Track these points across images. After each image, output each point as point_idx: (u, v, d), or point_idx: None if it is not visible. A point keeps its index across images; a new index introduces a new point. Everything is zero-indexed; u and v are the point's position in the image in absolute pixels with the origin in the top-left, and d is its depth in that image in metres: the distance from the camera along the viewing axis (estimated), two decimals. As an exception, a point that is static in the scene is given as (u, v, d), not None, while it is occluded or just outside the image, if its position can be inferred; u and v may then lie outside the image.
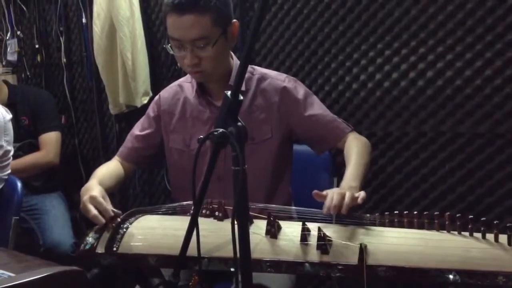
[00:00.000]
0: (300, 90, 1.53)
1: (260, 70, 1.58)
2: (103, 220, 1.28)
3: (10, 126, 1.76)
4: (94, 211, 1.30)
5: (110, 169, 1.57)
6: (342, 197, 1.18)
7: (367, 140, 1.51)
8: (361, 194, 1.22)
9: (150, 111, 1.63)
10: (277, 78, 1.54)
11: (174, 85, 1.63)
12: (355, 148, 1.43)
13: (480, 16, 1.63)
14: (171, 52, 1.44)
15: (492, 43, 1.62)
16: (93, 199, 1.31)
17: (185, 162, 1.55)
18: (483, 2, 1.62)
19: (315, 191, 1.22)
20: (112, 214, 1.30)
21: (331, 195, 1.19)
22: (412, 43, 1.75)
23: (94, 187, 1.37)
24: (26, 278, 0.83)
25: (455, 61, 1.69)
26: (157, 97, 1.63)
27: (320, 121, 1.50)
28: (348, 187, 1.27)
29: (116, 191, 1.69)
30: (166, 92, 1.62)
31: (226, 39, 1.43)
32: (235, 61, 1.54)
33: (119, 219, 1.30)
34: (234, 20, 1.45)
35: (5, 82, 2.48)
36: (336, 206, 1.17)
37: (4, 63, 2.91)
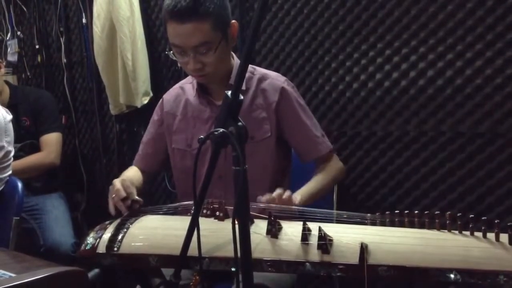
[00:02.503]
0: (298, 97, 1.59)
1: (260, 70, 1.59)
2: (124, 194, 1.34)
3: (10, 126, 1.76)
4: (119, 186, 1.36)
5: (133, 172, 1.62)
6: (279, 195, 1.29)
7: (341, 166, 1.60)
8: (295, 198, 1.32)
9: (155, 115, 1.65)
10: (277, 79, 1.57)
11: (176, 87, 1.65)
12: (323, 170, 1.53)
13: (480, 16, 1.63)
14: (173, 58, 1.45)
15: (493, 42, 1.62)
16: (123, 181, 1.38)
17: (187, 162, 1.56)
18: (483, 2, 1.61)
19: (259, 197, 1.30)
20: (136, 198, 1.36)
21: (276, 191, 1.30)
22: (412, 42, 1.75)
23: (126, 178, 1.44)
24: (27, 278, 0.83)
25: (455, 61, 1.69)
26: (160, 100, 1.66)
27: (307, 132, 1.55)
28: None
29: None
30: (168, 95, 1.65)
31: (227, 42, 1.44)
32: (236, 61, 1.55)
33: (138, 206, 1.37)
34: (233, 21, 1.46)
35: (6, 82, 2.48)
36: (273, 198, 1.27)
37: (4, 63, 2.91)
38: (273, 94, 1.54)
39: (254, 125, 1.48)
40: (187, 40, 1.38)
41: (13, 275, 0.88)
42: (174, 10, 1.37)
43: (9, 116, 1.77)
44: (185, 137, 1.57)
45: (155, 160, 1.65)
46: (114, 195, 1.36)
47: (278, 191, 1.31)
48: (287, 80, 1.59)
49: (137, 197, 1.38)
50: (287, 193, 1.31)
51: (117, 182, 1.38)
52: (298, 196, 1.36)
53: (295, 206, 1.31)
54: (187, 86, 1.62)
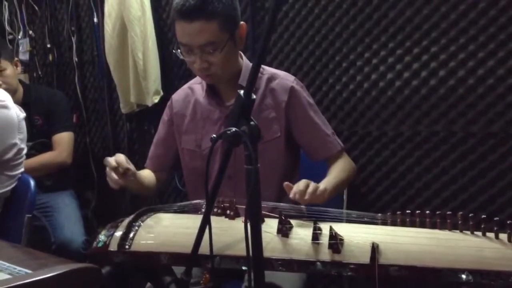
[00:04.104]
0: (307, 96, 1.59)
1: (269, 70, 1.59)
2: (114, 163, 1.33)
3: (24, 124, 1.78)
4: (109, 158, 1.35)
5: (146, 172, 1.64)
6: (307, 186, 1.25)
7: (353, 165, 1.59)
8: (320, 188, 1.28)
9: (164, 115, 1.67)
10: (287, 78, 1.57)
11: (185, 88, 1.66)
12: (338, 166, 1.52)
13: (492, 15, 1.62)
14: (181, 57, 1.46)
15: (505, 42, 1.61)
16: (116, 155, 1.38)
17: (196, 163, 1.56)
18: (496, 2, 1.60)
19: (286, 182, 1.28)
20: (127, 166, 1.34)
21: (298, 183, 1.26)
22: (424, 42, 1.74)
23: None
24: (44, 275, 0.84)
25: (467, 60, 1.68)
26: (169, 101, 1.67)
27: (317, 131, 1.55)
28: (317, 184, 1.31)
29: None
30: (177, 95, 1.65)
31: (234, 43, 1.45)
32: (245, 61, 1.55)
33: (131, 172, 1.36)
34: (242, 23, 1.46)
35: (20, 81, 2.50)
36: (301, 191, 1.23)
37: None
38: (282, 93, 1.54)
39: (263, 125, 1.47)
40: (194, 39, 1.40)
41: (29, 271, 0.89)
42: (183, 9, 1.38)
43: (23, 114, 1.79)
44: (195, 137, 1.57)
45: (166, 161, 1.65)
46: (107, 169, 1.35)
47: (304, 182, 1.26)
48: (296, 79, 1.59)
49: (127, 165, 1.35)
50: (319, 188, 1.27)
51: (109, 158, 1.37)
52: (324, 187, 1.32)
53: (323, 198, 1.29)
54: (196, 87, 1.62)
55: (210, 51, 1.41)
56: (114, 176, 1.33)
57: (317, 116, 1.57)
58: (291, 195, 1.25)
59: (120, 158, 1.36)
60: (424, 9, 1.73)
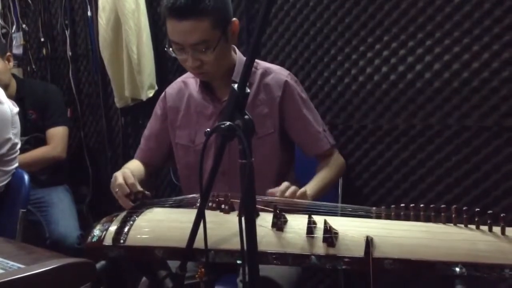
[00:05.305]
0: (301, 91, 1.58)
1: (263, 64, 1.59)
2: (127, 190, 1.33)
3: (17, 119, 1.77)
4: (121, 180, 1.35)
5: (135, 164, 1.61)
6: (287, 187, 1.30)
7: (342, 162, 1.60)
8: (301, 190, 1.31)
9: (157, 109, 1.65)
10: (281, 73, 1.56)
11: (178, 81, 1.65)
12: (325, 166, 1.53)
13: (487, 8, 1.61)
14: (173, 55, 1.44)
15: (500, 36, 1.61)
16: (125, 173, 1.37)
17: (190, 158, 1.56)
18: (491, -6, 1.61)
19: (269, 190, 1.30)
20: (139, 189, 1.35)
21: (280, 186, 1.30)
22: (419, 35, 1.74)
23: (127, 170, 1.42)
24: (37, 269, 0.84)
25: (462, 54, 1.68)
26: (162, 94, 1.65)
27: (309, 127, 1.55)
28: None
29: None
30: (171, 89, 1.64)
31: (227, 40, 1.44)
32: (238, 55, 1.54)
33: (142, 194, 1.37)
34: (234, 19, 1.45)
35: (13, 76, 2.49)
36: (281, 191, 1.28)
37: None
38: (276, 89, 1.53)
39: (256, 121, 1.46)
40: (185, 38, 1.38)
41: (22, 266, 0.89)
42: (173, 7, 1.36)
43: (16, 109, 1.78)
44: (188, 132, 1.57)
45: (158, 155, 1.64)
46: (117, 190, 1.36)
47: (285, 184, 1.30)
48: (290, 74, 1.58)
49: (140, 188, 1.37)
50: (295, 189, 1.31)
51: (118, 176, 1.37)
52: (308, 191, 1.36)
53: (306, 200, 1.31)
54: (190, 81, 1.61)
55: (202, 50, 1.39)
56: (127, 202, 1.35)
57: (309, 112, 1.56)
58: (269, 191, 1.29)
59: (131, 180, 1.36)
60: (419, 2, 1.73)
